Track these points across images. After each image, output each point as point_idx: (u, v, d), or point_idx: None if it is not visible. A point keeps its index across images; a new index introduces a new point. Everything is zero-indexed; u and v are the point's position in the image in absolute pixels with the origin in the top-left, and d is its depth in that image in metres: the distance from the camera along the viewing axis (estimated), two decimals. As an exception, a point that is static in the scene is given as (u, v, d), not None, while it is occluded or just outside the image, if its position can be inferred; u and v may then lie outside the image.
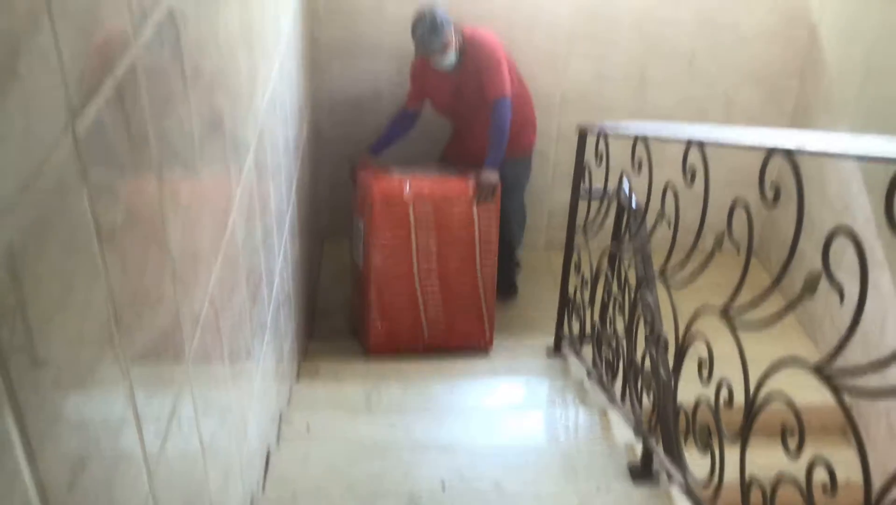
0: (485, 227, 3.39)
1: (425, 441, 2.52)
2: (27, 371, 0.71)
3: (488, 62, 3.41)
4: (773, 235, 4.23)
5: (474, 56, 3.44)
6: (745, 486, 1.64)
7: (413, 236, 3.34)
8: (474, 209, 3.35)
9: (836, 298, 1.26)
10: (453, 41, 3.40)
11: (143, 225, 1.09)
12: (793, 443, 1.41)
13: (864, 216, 3.22)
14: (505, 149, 3.44)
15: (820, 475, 1.41)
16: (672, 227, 2.04)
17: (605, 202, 2.75)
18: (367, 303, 3.45)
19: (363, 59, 4.00)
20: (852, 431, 1.33)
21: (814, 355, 3.74)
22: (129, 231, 1.03)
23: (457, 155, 3.74)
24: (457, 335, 3.54)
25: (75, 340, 0.84)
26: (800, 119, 4.05)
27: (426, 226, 3.34)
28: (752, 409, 1.57)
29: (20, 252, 0.70)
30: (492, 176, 3.37)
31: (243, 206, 1.86)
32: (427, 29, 3.32)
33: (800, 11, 3.84)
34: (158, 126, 1.15)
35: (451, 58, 3.43)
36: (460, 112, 3.69)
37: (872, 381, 1.28)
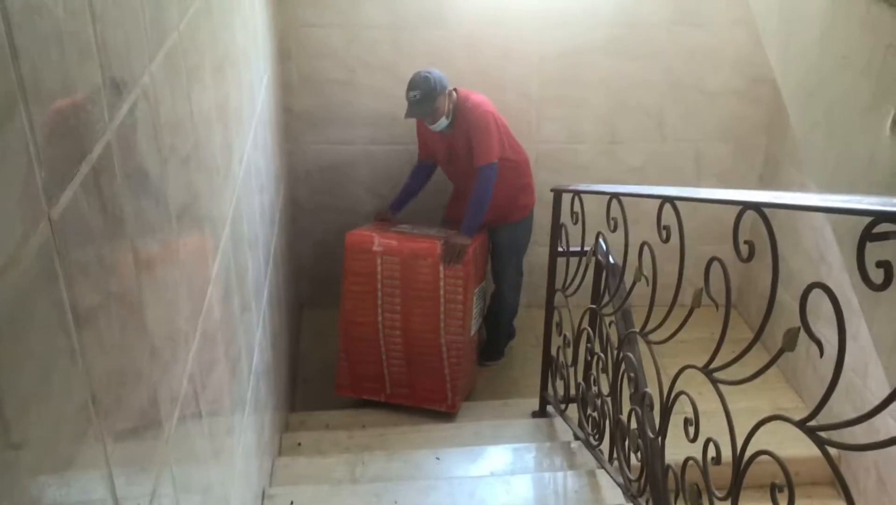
0: (451, 289, 3.40)
1: (412, 512, 2.47)
2: (2, 455, 0.69)
3: (476, 127, 3.45)
4: (751, 287, 4.26)
5: (465, 120, 3.48)
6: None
7: (379, 287, 3.43)
8: (441, 270, 3.37)
9: (817, 349, 1.27)
10: (445, 107, 3.45)
11: (120, 305, 1.08)
12: (783, 500, 1.39)
13: (840, 265, 3.27)
14: (483, 215, 3.46)
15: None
16: (650, 283, 2.05)
17: (583, 261, 2.77)
18: (339, 345, 3.59)
19: (337, 127, 4.04)
20: (840, 483, 1.32)
21: (798, 406, 3.77)
22: (106, 312, 1.01)
23: (455, 214, 3.73)
24: (418, 394, 3.57)
25: (53, 423, 0.82)
26: (769, 174, 4.13)
27: (392, 280, 3.42)
28: (740, 466, 1.56)
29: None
30: (461, 240, 3.38)
31: (220, 280, 1.85)
32: (417, 99, 3.40)
33: (764, 70, 3.95)
34: (135, 205, 1.15)
35: (441, 123, 3.49)
36: (455, 171, 3.73)
37: (858, 431, 1.28)
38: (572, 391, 2.97)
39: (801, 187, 3.72)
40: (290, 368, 3.77)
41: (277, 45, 3.68)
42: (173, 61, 1.45)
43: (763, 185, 4.18)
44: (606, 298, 2.57)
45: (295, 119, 4.00)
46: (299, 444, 3.11)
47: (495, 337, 4.03)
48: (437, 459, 2.93)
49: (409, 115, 3.48)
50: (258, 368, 2.50)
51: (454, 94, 3.51)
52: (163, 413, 1.27)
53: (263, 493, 2.53)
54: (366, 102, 3.99)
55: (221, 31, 2.06)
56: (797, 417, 1.36)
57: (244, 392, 2.21)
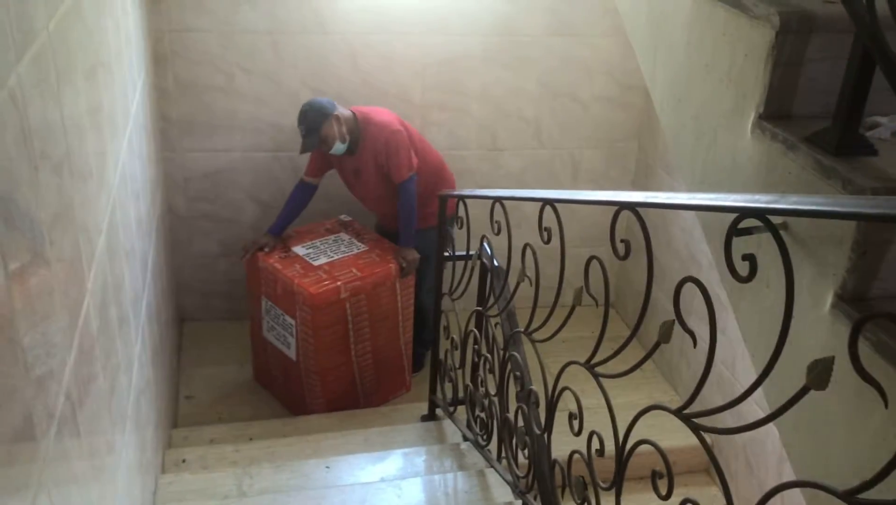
0: (405, 297, 3.67)
1: (303, 522, 2.44)
2: None
3: (387, 150, 3.45)
4: (628, 286, 4.45)
5: (372, 143, 3.47)
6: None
7: (350, 329, 3.52)
8: (397, 286, 3.58)
9: (690, 345, 1.34)
10: (335, 132, 3.43)
11: (-10, 319, 1.02)
12: (663, 487, 1.47)
13: (709, 263, 3.46)
14: (414, 223, 3.53)
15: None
16: (533, 284, 2.11)
17: (469, 265, 2.82)
18: (301, 385, 3.62)
19: (216, 134, 3.95)
20: (715, 468, 1.40)
21: (673, 399, 3.96)
22: (-25, 327, 0.96)
23: (387, 231, 3.80)
24: (384, 392, 3.82)
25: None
26: (641, 178, 4.33)
27: (360, 316, 3.53)
28: (622, 455, 1.63)
29: None
30: (409, 253, 3.54)
31: (97, 291, 1.77)
32: (303, 133, 3.44)
33: (634, 79, 4.14)
34: (5, 215, 1.09)
35: (338, 148, 3.48)
36: (365, 192, 3.70)
37: (728, 419, 1.37)
38: (461, 393, 3.01)
39: (672, 189, 3.91)
40: (172, 384, 3.65)
41: (152, 49, 3.56)
42: (42, 63, 1.38)
43: (636, 188, 4.37)
44: (492, 300, 2.62)
45: (172, 125, 3.88)
46: (184, 460, 3.01)
47: (416, 347, 3.94)
48: (327, 467, 2.90)
49: (302, 150, 3.49)
50: (138, 383, 2.41)
51: (345, 116, 3.47)
52: (38, 432, 1.21)
53: (146, 512, 2.44)
54: (246, 109, 3.91)
55: (92, 33, 1.98)
56: (673, 407, 1.43)
57: (124, 408, 2.13)
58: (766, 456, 3.18)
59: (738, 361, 3.29)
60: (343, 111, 3.50)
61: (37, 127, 1.31)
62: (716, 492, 3.49)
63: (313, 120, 3.41)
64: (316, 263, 3.48)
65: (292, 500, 2.59)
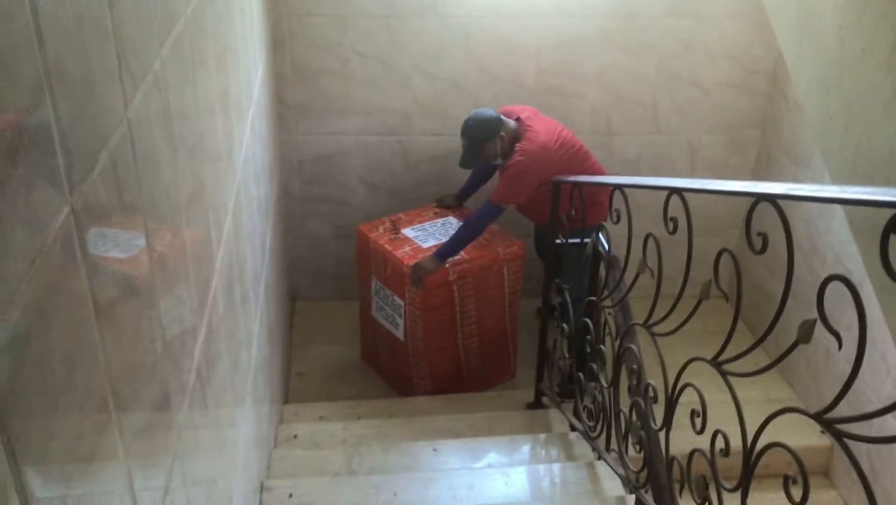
0: (513, 282, 3.63)
1: (411, 504, 2.45)
2: (32, 455, 0.67)
3: (509, 168, 3.33)
4: (745, 280, 4.27)
5: (511, 157, 3.36)
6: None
7: (457, 311, 3.54)
8: (504, 271, 3.55)
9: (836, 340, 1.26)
10: (497, 150, 3.37)
11: (136, 297, 1.06)
12: (797, 491, 1.39)
13: (834, 256, 3.29)
14: (462, 246, 3.40)
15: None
16: (655, 277, 2.04)
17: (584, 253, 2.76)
18: (409, 366, 3.65)
19: (330, 118, 4.00)
20: (857, 473, 1.33)
21: (790, 396, 3.79)
22: (123, 304, 0.99)
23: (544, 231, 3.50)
24: (490, 377, 3.84)
25: (76, 419, 0.80)
26: (762, 167, 4.14)
27: (467, 299, 3.53)
28: (751, 457, 1.56)
29: (24, 333, 0.67)
30: (427, 263, 3.33)
31: (224, 271, 1.82)
32: (465, 145, 3.42)
33: (760, 64, 3.95)
34: (149, 194, 1.12)
35: (498, 162, 3.43)
36: None
37: (859, 425, 1.28)
38: (569, 383, 2.97)
39: (796, 180, 3.72)
40: (284, 361, 3.74)
41: (271, 33, 3.64)
42: (180, 48, 1.42)
43: (756, 178, 4.18)
44: (606, 291, 2.56)
45: (288, 109, 3.96)
46: (295, 436, 3.09)
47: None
48: (434, 450, 2.92)
49: (461, 163, 3.50)
50: (257, 360, 2.48)
51: (509, 131, 3.37)
52: (174, 405, 1.25)
53: (262, 485, 2.51)
54: (360, 92, 3.95)
55: (222, 17, 2.03)
56: (811, 411, 1.36)
57: (244, 384, 2.19)
58: (892, 463, 3.00)
59: (871, 365, 3.11)
60: (509, 125, 3.39)
61: (176, 110, 1.34)
62: (834, 495, 3.32)
63: (477, 135, 3.35)
64: (425, 246, 3.49)
65: (401, 480, 2.62)
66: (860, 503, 3.09)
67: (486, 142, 3.35)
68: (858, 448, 3.26)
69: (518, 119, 3.44)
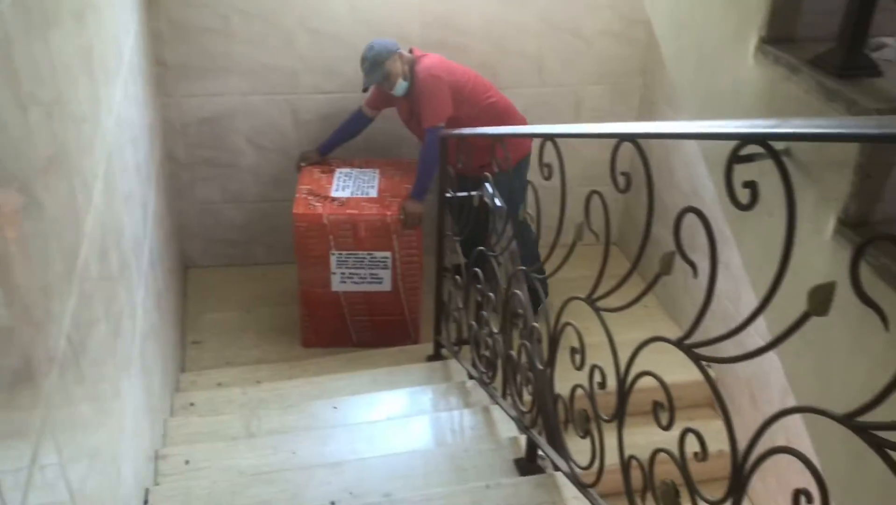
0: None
1: (311, 461, 2.47)
2: None
3: (420, 92, 3.45)
4: (631, 226, 4.42)
5: (415, 84, 3.48)
6: (626, 464, 1.70)
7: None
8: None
9: (694, 281, 1.33)
10: (398, 69, 3.46)
11: (-17, 261, 1.02)
12: (664, 418, 1.47)
13: (711, 197, 3.43)
14: (430, 178, 3.44)
15: (694, 447, 1.47)
16: (534, 223, 2.09)
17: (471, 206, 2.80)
18: (403, 313, 3.75)
19: (213, 78, 3.89)
20: (716, 398, 1.41)
21: (677, 334, 3.96)
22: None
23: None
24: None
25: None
26: (646, 114, 4.26)
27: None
28: (624, 386, 1.63)
29: None
30: (414, 206, 3.48)
31: (96, 236, 1.77)
32: (367, 68, 3.46)
33: (640, 13, 4.03)
34: (-8, 155, 1.07)
35: (399, 88, 3.50)
36: (418, 133, 3.65)
37: (732, 350, 1.36)
38: (465, 333, 3.02)
39: (675, 125, 3.86)
40: (179, 330, 3.67)
41: (143, -9, 3.49)
42: (26, 2, 1.35)
43: (640, 125, 4.31)
44: (494, 240, 2.61)
45: (167, 70, 3.82)
46: (192, 403, 3.05)
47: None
48: (335, 407, 2.93)
49: (364, 85, 3.52)
50: (143, 328, 2.42)
51: (406, 56, 3.51)
52: (39, 374, 1.21)
53: (156, 454, 2.47)
54: (243, 51, 3.85)
55: (79, -27, 1.93)
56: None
57: (130, 352, 2.14)
58: (770, 390, 3.19)
59: (742, 296, 3.28)
60: (405, 51, 3.53)
61: (24, 68, 1.28)
62: (720, 426, 3.51)
63: (377, 55, 3.43)
64: (369, 196, 3.59)
65: (300, 439, 2.62)
66: (746, 430, 3.28)
67: (386, 61, 3.43)
68: (738, 378, 3.45)
69: (410, 50, 3.57)
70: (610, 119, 4.32)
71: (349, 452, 2.55)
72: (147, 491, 2.22)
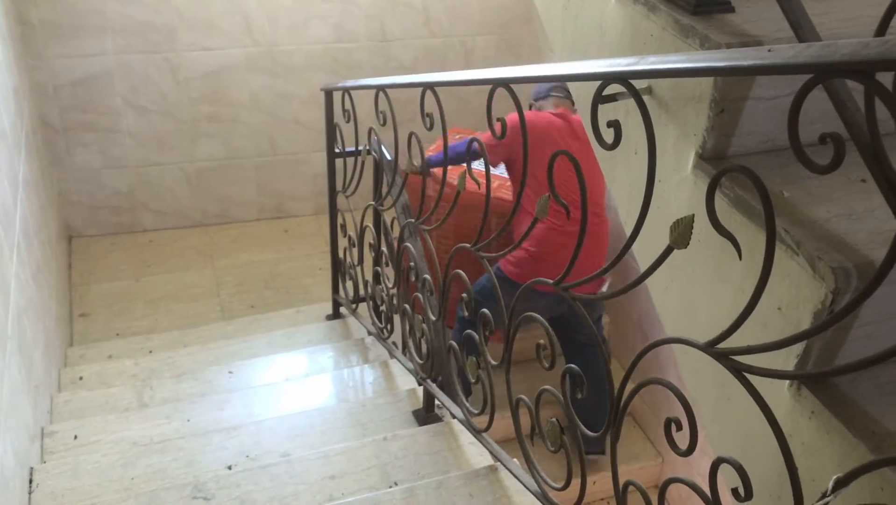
0: None
1: (206, 427, 2.42)
2: None
3: None
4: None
5: None
6: (514, 406, 1.73)
7: None
8: None
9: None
10: None
11: None
12: (546, 360, 1.50)
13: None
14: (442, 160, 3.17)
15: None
16: (421, 174, 2.08)
17: (360, 160, 2.76)
18: None
19: (84, 38, 3.69)
20: (586, 326, 1.43)
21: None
22: None
23: None
24: None
25: None
26: (534, 62, 4.29)
27: None
28: (509, 330, 1.65)
29: None
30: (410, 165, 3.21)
31: (-50, 206, 1.66)
32: None
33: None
34: None
35: None
36: None
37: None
38: (362, 290, 3.00)
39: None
40: (63, 302, 3.52)
41: (-2, -56, 3.26)
42: None
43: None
44: (385, 192, 2.58)
45: (33, 29, 3.60)
46: (81, 378, 2.93)
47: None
48: (230, 372, 2.88)
49: None
50: (19, 303, 2.30)
51: None
52: None
53: (42, 431, 2.38)
54: (115, 7, 3.66)
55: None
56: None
57: (3, 328, 2.03)
58: (662, 330, 3.31)
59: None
60: None
61: None
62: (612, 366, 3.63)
63: None
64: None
65: (195, 406, 2.57)
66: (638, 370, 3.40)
67: None
68: (630, 320, 3.53)
69: None
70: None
71: (246, 415, 2.51)
72: (32, 470, 2.14)
